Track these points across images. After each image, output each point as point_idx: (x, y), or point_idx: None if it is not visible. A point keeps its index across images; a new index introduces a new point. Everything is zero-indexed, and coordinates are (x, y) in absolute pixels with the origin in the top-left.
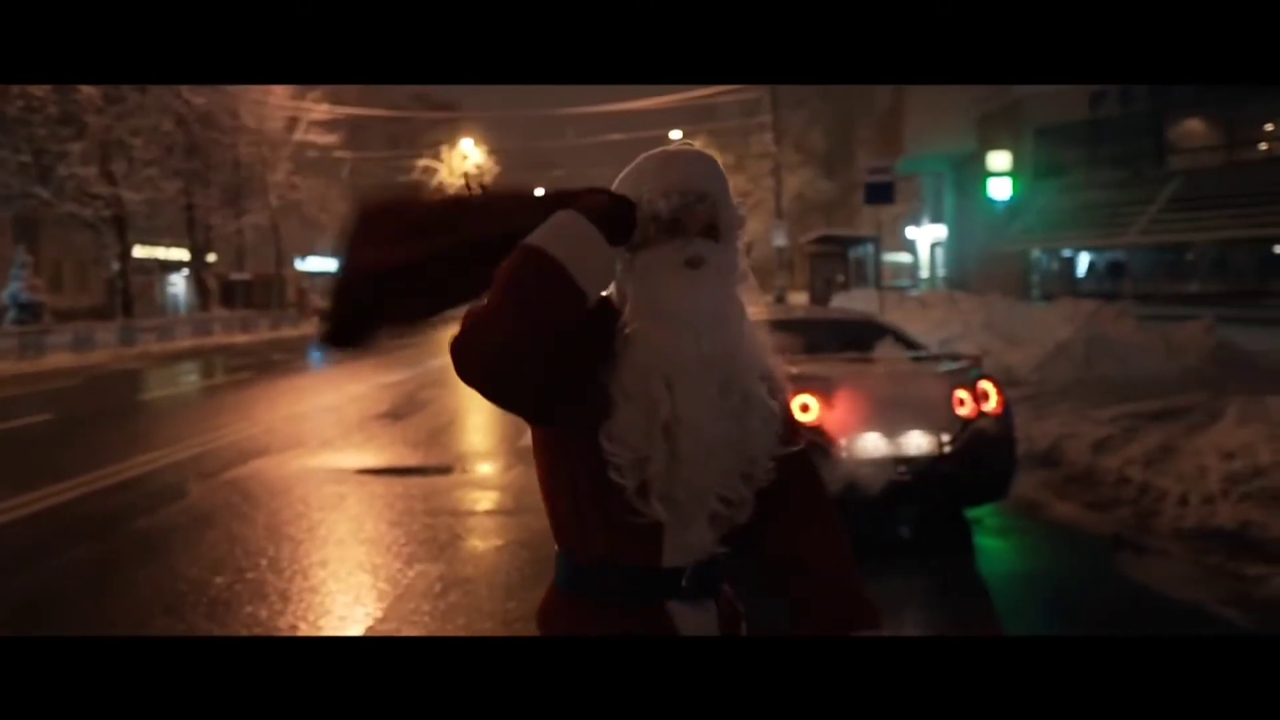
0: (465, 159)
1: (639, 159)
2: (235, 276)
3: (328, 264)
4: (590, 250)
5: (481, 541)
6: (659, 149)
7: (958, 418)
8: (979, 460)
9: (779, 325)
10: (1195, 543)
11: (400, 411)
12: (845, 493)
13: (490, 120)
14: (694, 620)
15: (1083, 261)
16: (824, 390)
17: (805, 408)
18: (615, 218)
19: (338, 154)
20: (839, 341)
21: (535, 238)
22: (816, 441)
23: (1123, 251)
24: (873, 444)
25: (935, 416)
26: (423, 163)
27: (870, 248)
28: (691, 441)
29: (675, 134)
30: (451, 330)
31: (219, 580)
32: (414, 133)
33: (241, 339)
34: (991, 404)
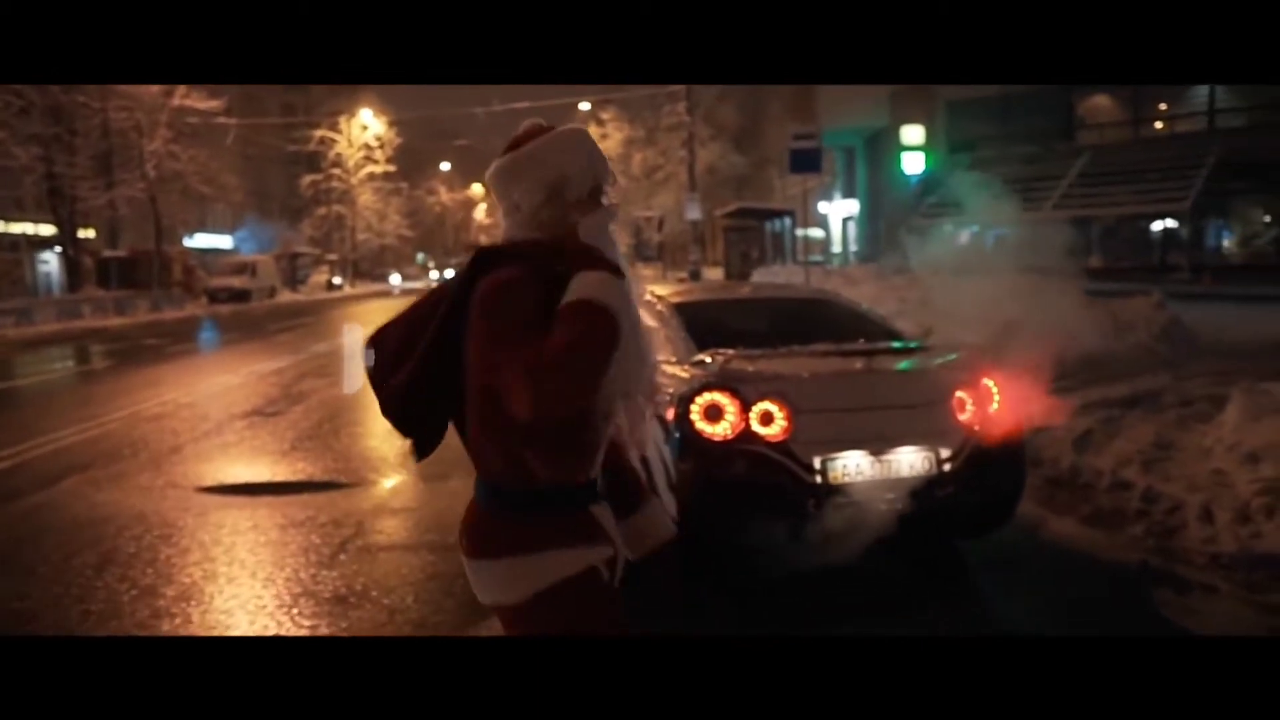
0: (365, 130)
1: (579, 139)
2: (109, 254)
3: (220, 240)
4: (627, 307)
5: (357, 602)
6: (581, 129)
7: (959, 426)
8: (984, 480)
9: (718, 307)
10: (1243, 574)
11: (272, 407)
12: (826, 531)
13: (391, 88)
14: (608, 516)
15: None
16: (791, 395)
17: (767, 417)
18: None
19: (221, 120)
20: (795, 328)
21: (606, 301)
22: (782, 463)
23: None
24: (855, 465)
25: (932, 426)
26: (320, 133)
27: (787, 221)
28: (634, 367)
29: (584, 105)
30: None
31: None
32: (311, 102)
33: (115, 322)
34: (996, 406)
